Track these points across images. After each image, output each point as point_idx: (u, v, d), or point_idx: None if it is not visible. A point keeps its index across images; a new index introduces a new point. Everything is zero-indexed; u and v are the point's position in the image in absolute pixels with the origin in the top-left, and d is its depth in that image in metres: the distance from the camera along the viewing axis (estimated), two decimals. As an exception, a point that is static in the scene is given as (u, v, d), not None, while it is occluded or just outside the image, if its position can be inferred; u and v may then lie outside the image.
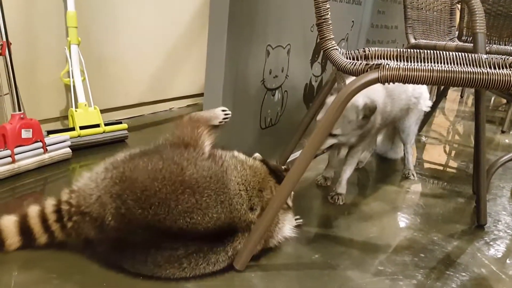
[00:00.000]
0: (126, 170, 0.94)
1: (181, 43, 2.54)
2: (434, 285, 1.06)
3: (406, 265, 1.13)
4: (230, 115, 1.20)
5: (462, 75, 0.80)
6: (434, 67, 0.83)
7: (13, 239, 0.99)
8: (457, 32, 2.36)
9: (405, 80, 0.84)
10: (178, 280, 0.96)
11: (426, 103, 1.72)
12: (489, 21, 2.31)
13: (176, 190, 0.92)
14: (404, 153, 1.82)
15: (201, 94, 2.83)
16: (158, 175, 0.93)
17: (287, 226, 1.13)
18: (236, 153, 1.13)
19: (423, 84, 0.85)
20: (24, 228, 0.99)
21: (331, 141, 1.33)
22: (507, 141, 2.62)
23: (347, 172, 1.50)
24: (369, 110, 1.28)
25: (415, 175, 1.80)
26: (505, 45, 2.31)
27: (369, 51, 1.11)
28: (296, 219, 1.25)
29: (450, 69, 0.83)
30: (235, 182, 1.01)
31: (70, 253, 1.01)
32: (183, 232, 0.92)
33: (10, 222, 1.00)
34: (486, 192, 1.40)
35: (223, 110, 1.20)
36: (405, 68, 0.83)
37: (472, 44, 1.40)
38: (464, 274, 1.12)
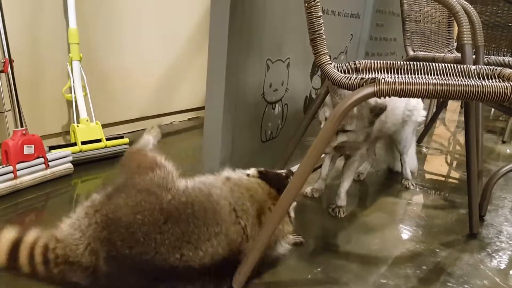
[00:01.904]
0: (109, 212, 0.90)
1: (182, 57, 2.57)
2: (436, 297, 1.06)
3: (409, 278, 1.13)
4: (159, 134, 1.18)
5: (458, 88, 0.81)
6: (429, 81, 0.84)
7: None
8: (455, 44, 2.38)
9: (401, 94, 0.84)
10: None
11: (420, 114, 1.74)
12: (487, 32, 2.33)
13: (157, 221, 0.88)
14: (402, 163, 1.83)
15: (202, 108, 2.85)
16: (138, 209, 0.89)
17: (282, 243, 1.09)
18: (228, 173, 1.08)
19: (418, 97, 0.86)
20: (14, 250, 0.94)
21: (341, 138, 1.28)
22: (508, 151, 2.62)
23: (345, 184, 1.50)
24: (380, 109, 1.29)
25: (414, 184, 1.82)
26: (503, 56, 2.33)
27: (360, 63, 1.12)
28: (295, 236, 1.22)
29: (446, 82, 0.84)
30: (229, 210, 0.96)
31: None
32: (178, 271, 0.88)
33: (6, 238, 0.95)
34: (477, 200, 1.41)
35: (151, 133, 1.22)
36: (401, 82, 0.84)
37: (473, 56, 1.42)
38: (467, 286, 1.11)
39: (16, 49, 1.53)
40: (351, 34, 1.97)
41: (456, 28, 2.46)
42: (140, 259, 0.86)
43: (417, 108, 1.70)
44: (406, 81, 0.83)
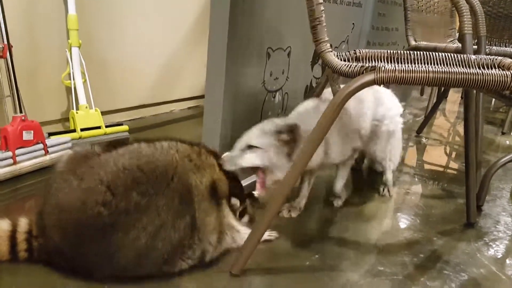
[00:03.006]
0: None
1: (182, 45, 2.55)
2: (433, 285, 1.06)
3: (405, 265, 1.14)
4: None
5: (458, 76, 0.81)
6: (429, 69, 0.84)
7: None
8: (457, 34, 2.37)
9: (401, 81, 0.84)
10: (178, 280, 0.97)
11: (394, 121, 1.49)
12: (490, 23, 2.32)
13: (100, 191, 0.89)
14: (384, 170, 1.62)
15: (202, 96, 2.84)
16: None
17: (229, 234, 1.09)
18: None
19: (418, 85, 0.86)
20: (13, 242, 0.95)
21: (250, 157, 1.14)
22: (507, 142, 2.62)
23: (339, 185, 1.43)
24: (289, 127, 1.14)
25: (391, 191, 1.60)
26: (505, 46, 2.32)
27: (360, 52, 1.12)
28: (270, 232, 1.20)
29: (446, 70, 0.84)
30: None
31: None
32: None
33: (4, 231, 0.95)
34: (475, 190, 1.40)
35: None
36: (401, 69, 0.84)
37: (475, 46, 1.41)
38: (463, 274, 1.12)
39: (14, 35, 1.52)
40: (353, 23, 1.96)
41: (457, 18, 2.45)
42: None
43: (388, 116, 1.44)
44: (406, 69, 0.83)
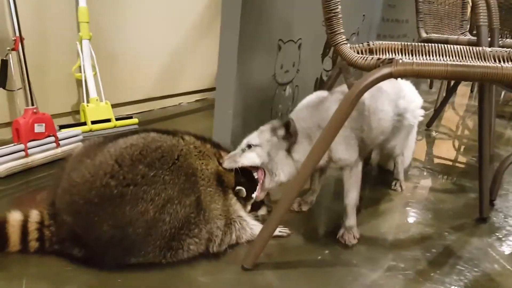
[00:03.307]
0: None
1: (190, 39, 2.54)
2: (446, 280, 1.06)
3: (418, 261, 1.13)
4: None
5: (478, 69, 0.79)
6: (449, 62, 0.83)
7: None
8: (468, 26, 2.34)
9: (419, 75, 0.83)
10: (191, 273, 0.98)
11: (416, 115, 1.45)
12: (502, 15, 2.28)
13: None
14: (394, 163, 1.59)
15: (209, 89, 2.84)
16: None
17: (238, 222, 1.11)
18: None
19: (437, 78, 0.85)
20: (0, 234, 0.95)
21: (250, 156, 1.13)
22: (518, 136, 2.60)
23: (350, 198, 1.21)
24: (286, 125, 1.11)
25: (403, 187, 1.58)
26: (517, 39, 2.28)
27: (374, 44, 1.10)
28: (282, 228, 1.20)
29: (465, 63, 0.83)
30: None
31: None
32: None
33: (16, 222, 0.96)
34: (488, 184, 1.38)
35: None
36: (419, 62, 0.82)
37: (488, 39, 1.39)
38: (476, 270, 1.11)
39: (25, 28, 1.52)
40: (363, 15, 1.94)
41: (469, 10, 2.42)
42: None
43: (410, 110, 1.40)
44: (425, 62, 0.82)
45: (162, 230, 0.93)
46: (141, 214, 0.90)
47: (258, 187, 1.14)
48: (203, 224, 0.99)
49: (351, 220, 1.21)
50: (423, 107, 1.53)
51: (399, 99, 1.34)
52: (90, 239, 0.92)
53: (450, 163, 2.01)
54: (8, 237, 0.95)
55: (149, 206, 0.90)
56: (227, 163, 1.12)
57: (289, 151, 1.12)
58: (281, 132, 1.11)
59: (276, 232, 1.16)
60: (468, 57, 1.01)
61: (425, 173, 1.80)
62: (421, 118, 1.51)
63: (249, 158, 1.12)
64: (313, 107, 1.18)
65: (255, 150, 1.12)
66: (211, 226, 1.01)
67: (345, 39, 0.96)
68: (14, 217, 0.96)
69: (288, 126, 1.10)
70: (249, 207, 1.16)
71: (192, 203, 0.97)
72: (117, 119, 1.86)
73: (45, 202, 1.02)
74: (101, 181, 0.90)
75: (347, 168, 1.19)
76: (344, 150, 1.15)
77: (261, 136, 1.13)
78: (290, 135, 1.10)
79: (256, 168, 1.13)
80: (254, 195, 1.13)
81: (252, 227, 1.12)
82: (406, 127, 1.43)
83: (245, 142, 1.15)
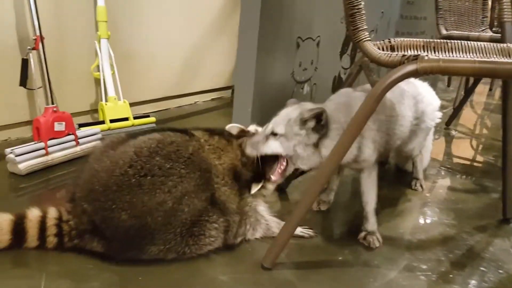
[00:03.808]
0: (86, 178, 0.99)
1: (206, 38, 2.54)
2: (468, 281, 1.04)
3: (440, 261, 1.11)
4: None
5: (507, 66, 0.77)
6: (476, 59, 0.81)
7: (2, 237, 0.95)
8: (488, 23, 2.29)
9: (446, 72, 0.81)
10: (211, 272, 0.97)
11: (434, 117, 1.43)
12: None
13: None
14: (413, 162, 1.57)
15: (225, 88, 2.84)
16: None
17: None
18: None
19: (464, 75, 0.83)
20: (18, 229, 0.96)
21: (273, 144, 1.09)
22: (540, 135, 2.53)
23: (370, 202, 1.18)
24: (317, 114, 1.05)
25: (423, 186, 1.57)
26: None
27: (395, 41, 1.09)
28: (304, 228, 1.19)
29: (494, 60, 0.81)
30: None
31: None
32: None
33: (4, 219, 0.96)
34: None
35: None
36: (446, 59, 0.80)
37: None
38: (500, 271, 1.09)
39: (45, 27, 1.53)
40: (382, 12, 1.91)
41: (490, 6, 2.37)
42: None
43: (428, 112, 1.37)
44: (451, 58, 0.80)
45: (182, 219, 0.95)
46: (159, 204, 0.92)
47: (277, 171, 1.11)
48: (220, 214, 1.01)
49: (372, 224, 1.19)
50: (441, 106, 1.50)
51: (417, 103, 1.30)
52: (109, 228, 0.93)
53: (470, 162, 1.98)
54: (26, 232, 0.96)
55: (167, 197, 0.92)
56: (250, 150, 1.09)
57: (317, 145, 1.06)
58: (311, 123, 1.04)
59: (298, 232, 1.15)
60: (493, 54, 0.98)
61: (445, 173, 1.77)
62: (438, 120, 1.48)
63: (273, 148, 1.08)
64: (344, 105, 1.11)
65: (279, 139, 1.07)
66: (227, 217, 1.02)
67: (368, 35, 0.95)
68: (33, 213, 0.98)
69: (320, 116, 1.03)
70: (256, 189, 1.11)
71: (208, 198, 0.98)
72: (134, 118, 1.87)
73: (64, 199, 1.03)
74: (120, 170, 0.93)
75: (366, 170, 1.16)
76: (371, 151, 1.11)
77: (288, 127, 1.06)
78: (321, 127, 1.03)
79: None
80: (273, 178, 1.11)
81: (268, 221, 1.13)
82: (424, 130, 1.40)
83: (270, 127, 1.09)
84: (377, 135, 1.11)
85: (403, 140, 1.29)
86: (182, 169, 0.95)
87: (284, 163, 1.11)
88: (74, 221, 0.97)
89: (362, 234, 1.18)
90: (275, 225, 1.13)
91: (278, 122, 1.09)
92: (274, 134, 1.08)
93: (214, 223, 0.99)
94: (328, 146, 1.03)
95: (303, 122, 1.04)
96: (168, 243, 0.95)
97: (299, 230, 1.16)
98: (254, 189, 1.10)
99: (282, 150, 1.07)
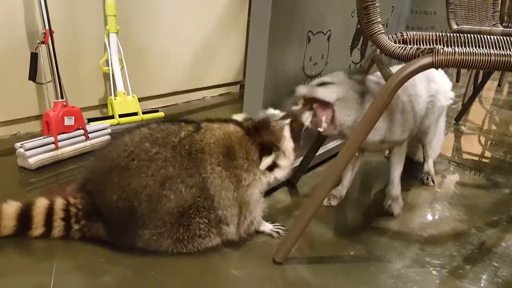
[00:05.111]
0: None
1: (215, 33, 2.53)
2: (481, 276, 1.03)
3: (452, 256, 1.10)
4: None
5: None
6: (491, 51, 0.80)
7: (7, 222, 0.97)
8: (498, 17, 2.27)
9: (460, 64, 0.80)
10: (223, 266, 0.98)
11: (447, 96, 1.47)
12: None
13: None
14: (424, 156, 1.59)
15: (233, 83, 2.83)
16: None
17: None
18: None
19: (479, 69, 0.82)
20: (24, 216, 0.98)
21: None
22: (551, 131, 2.51)
23: (398, 168, 1.28)
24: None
25: (435, 180, 1.57)
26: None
27: (407, 35, 1.08)
28: (274, 225, 1.16)
29: (509, 53, 0.79)
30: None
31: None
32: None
33: (11, 205, 0.99)
34: None
35: None
36: (461, 52, 0.79)
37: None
38: (513, 267, 1.08)
39: (54, 21, 1.53)
40: (392, 6, 1.89)
41: (500, 1, 2.34)
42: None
43: (441, 91, 1.42)
44: (467, 51, 0.79)
45: (168, 207, 0.95)
46: (143, 188, 0.94)
47: (324, 120, 1.10)
48: (212, 210, 0.99)
49: (396, 189, 1.29)
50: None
51: (430, 83, 1.37)
52: (105, 210, 0.97)
53: (480, 158, 1.96)
54: (32, 218, 0.99)
55: (150, 180, 0.94)
56: (305, 90, 1.11)
57: (363, 94, 1.10)
58: (357, 76, 1.10)
59: (267, 230, 1.13)
60: (507, 48, 0.97)
61: (454, 168, 1.75)
62: (451, 101, 1.50)
63: (325, 92, 1.09)
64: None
65: (329, 86, 1.10)
66: (223, 212, 1.00)
67: (382, 28, 0.94)
68: (41, 201, 1.01)
69: (364, 74, 1.11)
70: (268, 162, 1.04)
71: (197, 184, 0.97)
72: (143, 113, 1.87)
73: (74, 190, 1.05)
74: (115, 153, 0.99)
75: (396, 147, 1.25)
76: (400, 132, 1.19)
77: (333, 76, 1.12)
78: (365, 81, 1.11)
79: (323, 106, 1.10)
80: (321, 129, 1.11)
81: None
82: (438, 108, 1.44)
83: (314, 82, 1.13)
84: (407, 116, 1.18)
85: (421, 119, 1.35)
86: (169, 154, 0.97)
87: (331, 112, 1.10)
88: (80, 201, 1.01)
89: (388, 201, 1.29)
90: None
91: (327, 76, 1.15)
92: (322, 83, 1.12)
93: (203, 218, 0.98)
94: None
95: (349, 72, 1.13)
96: (158, 228, 0.96)
97: (268, 228, 1.13)
98: (265, 162, 1.02)
99: (331, 94, 1.09)
